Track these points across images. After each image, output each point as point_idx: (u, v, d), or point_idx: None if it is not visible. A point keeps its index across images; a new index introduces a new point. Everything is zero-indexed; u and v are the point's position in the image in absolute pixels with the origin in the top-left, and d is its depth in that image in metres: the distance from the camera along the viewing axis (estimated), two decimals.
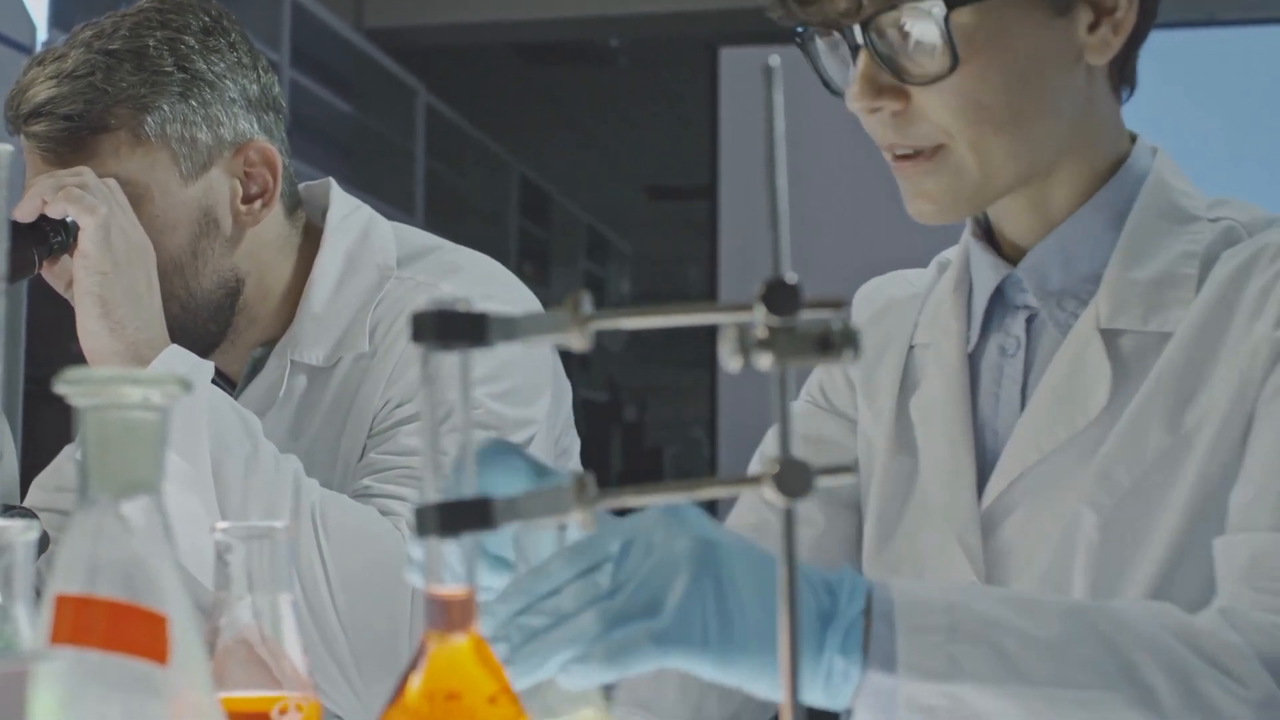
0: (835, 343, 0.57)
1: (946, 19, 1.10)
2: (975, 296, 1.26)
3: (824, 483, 0.58)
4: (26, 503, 1.67)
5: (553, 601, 0.89)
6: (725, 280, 5.33)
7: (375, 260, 1.63)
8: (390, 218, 1.71)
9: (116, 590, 0.66)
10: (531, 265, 8.04)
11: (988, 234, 1.26)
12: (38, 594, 0.73)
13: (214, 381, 1.51)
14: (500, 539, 1.00)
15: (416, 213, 6.31)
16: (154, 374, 0.67)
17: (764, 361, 0.57)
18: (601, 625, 0.87)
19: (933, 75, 1.12)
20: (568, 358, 1.69)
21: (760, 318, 0.58)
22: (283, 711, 0.87)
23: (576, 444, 1.72)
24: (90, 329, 1.47)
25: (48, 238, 1.49)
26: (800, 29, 1.19)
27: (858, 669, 0.91)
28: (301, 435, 1.58)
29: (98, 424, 0.67)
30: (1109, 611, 0.97)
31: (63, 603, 0.66)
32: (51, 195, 1.47)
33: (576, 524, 0.60)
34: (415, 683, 0.66)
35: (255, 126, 1.60)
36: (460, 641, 0.66)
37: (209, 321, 1.60)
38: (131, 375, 0.67)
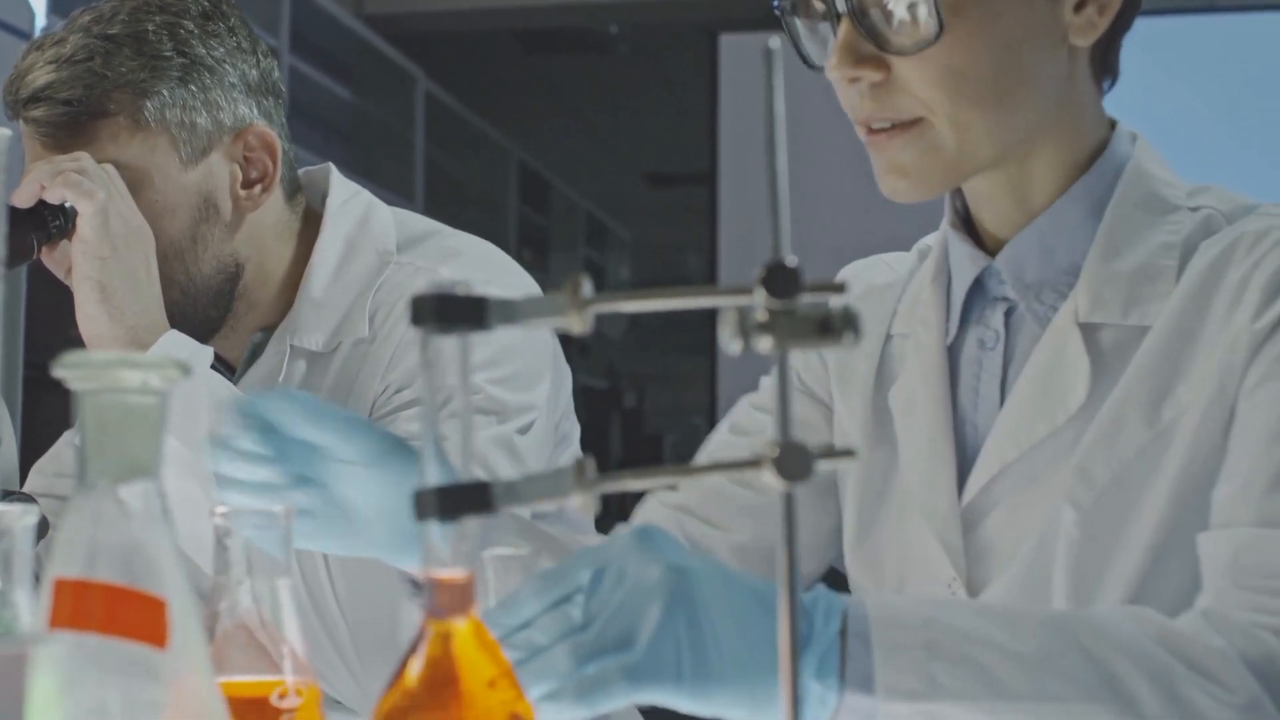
0: (836, 326, 0.57)
1: None
2: (954, 288, 1.24)
3: (824, 467, 0.57)
4: (26, 488, 1.67)
5: (524, 635, 0.89)
6: (725, 267, 5.33)
7: (375, 245, 1.62)
8: (390, 204, 1.70)
9: (115, 574, 0.66)
10: (531, 252, 8.03)
11: (966, 224, 1.25)
12: (36, 579, 0.73)
13: (213, 367, 1.51)
14: (256, 435, 1.04)
15: (416, 199, 6.31)
16: (153, 358, 0.67)
17: (764, 344, 0.57)
18: (574, 660, 0.87)
19: (916, 44, 1.11)
20: (567, 344, 1.69)
21: (760, 301, 0.57)
22: (282, 696, 0.87)
23: (576, 430, 1.72)
24: (89, 314, 1.47)
25: (46, 223, 1.49)
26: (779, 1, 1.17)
27: (835, 693, 0.91)
28: None
29: (96, 408, 0.67)
30: (1088, 620, 0.96)
31: (61, 587, 0.66)
32: (50, 180, 1.47)
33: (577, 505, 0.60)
34: (414, 667, 0.66)
35: (255, 111, 1.60)
36: (459, 625, 0.66)
37: (209, 307, 1.60)
38: (130, 359, 0.67)
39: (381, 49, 6.27)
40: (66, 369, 0.67)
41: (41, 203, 1.49)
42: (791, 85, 0.64)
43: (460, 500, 0.61)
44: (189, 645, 0.68)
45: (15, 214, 1.47)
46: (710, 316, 0.60)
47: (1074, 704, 0.92)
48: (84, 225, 1.47)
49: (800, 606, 0.91)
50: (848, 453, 0.58)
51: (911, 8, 1.11)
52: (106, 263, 1.46)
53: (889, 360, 1.28)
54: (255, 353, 1.62)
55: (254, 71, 1.60)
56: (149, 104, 1.53)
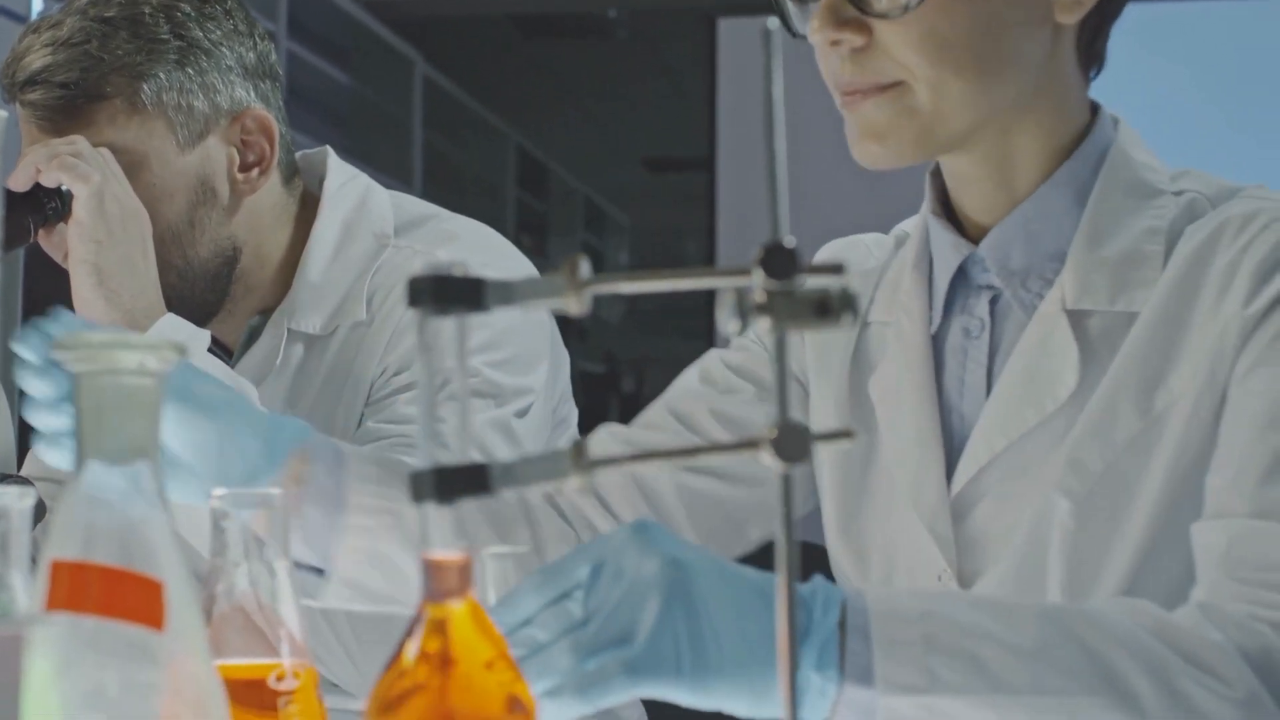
0: (834, 307, 0.57)
1: None
2: (936, 276, 1.23)
3: (822, 448, 0.57)
4: (23, 472, 1.67)
5: (526, 632, 0.89)
6: (724, 252, 5.32)
7: (372, 228, 1.62)
8: (387, 189, 1.70)
9: (112, 556, 0.66)
10: (529, 237, 8.02)
11: (947, 212, 1.24)
12: (34, 562, 0.73)
13: (210, 350, 1.51)
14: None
15: (414, 184, 6.30)
16: (149, 339, 0.67)
17: (762, 325, 0.57)
18: (574, 657, 0.87)
19: (898, 8, 1.10)
20: (565, 328, 1.69)
21: (758, 282, 0.57)
22: (279, 678, 0.87)
23: (574, 414, 1.72)
24: (85, 297, 1.47)
25: (43, 206, 1.49)
26: None
27: (834, 685, 0.91)
28: (298, 404, 1.57)
29: (93, 389, 0.67)
30: (1086, 614, 0.96)
31: (58, 568, 0.66)
32: (45, 164, 1.47)
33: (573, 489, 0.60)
34: (412, 648, 0.66)
35: (252, 94, 1.59)
36: (457, 606, 0.66)
37: (206, 291, 1.60)
38: (127, 340, 0.67)
39: (379, 33, 6.26)
40: (63, 351, 0.67)
41: (38, 186, 1.49)
42: (790, 77, 0.64)
43: (457, 482, 0.61)
44: (186, 628, 0.68)
45: (11, 197, 1.47)
46: (708, 302, 0.60)
47: (1072, 697, 0.91)
48: (79, 208, 1.47)
49: (798, 598, 0.91)
50: (846, 434, 0.58)
51: None
52: (102, 246, 1.46)
53: (866, 348, 1.27)
54: (252, 336, 1.62)
55: (251, 54, 1.60)
56: (146, 87, 1.53)
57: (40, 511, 1.31)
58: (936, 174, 1.24)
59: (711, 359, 1.36)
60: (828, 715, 0.91)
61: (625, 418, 1.36)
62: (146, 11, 1.55)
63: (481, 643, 0.66)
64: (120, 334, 0.71)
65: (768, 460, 0.58)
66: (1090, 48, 1.20)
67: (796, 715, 0.57)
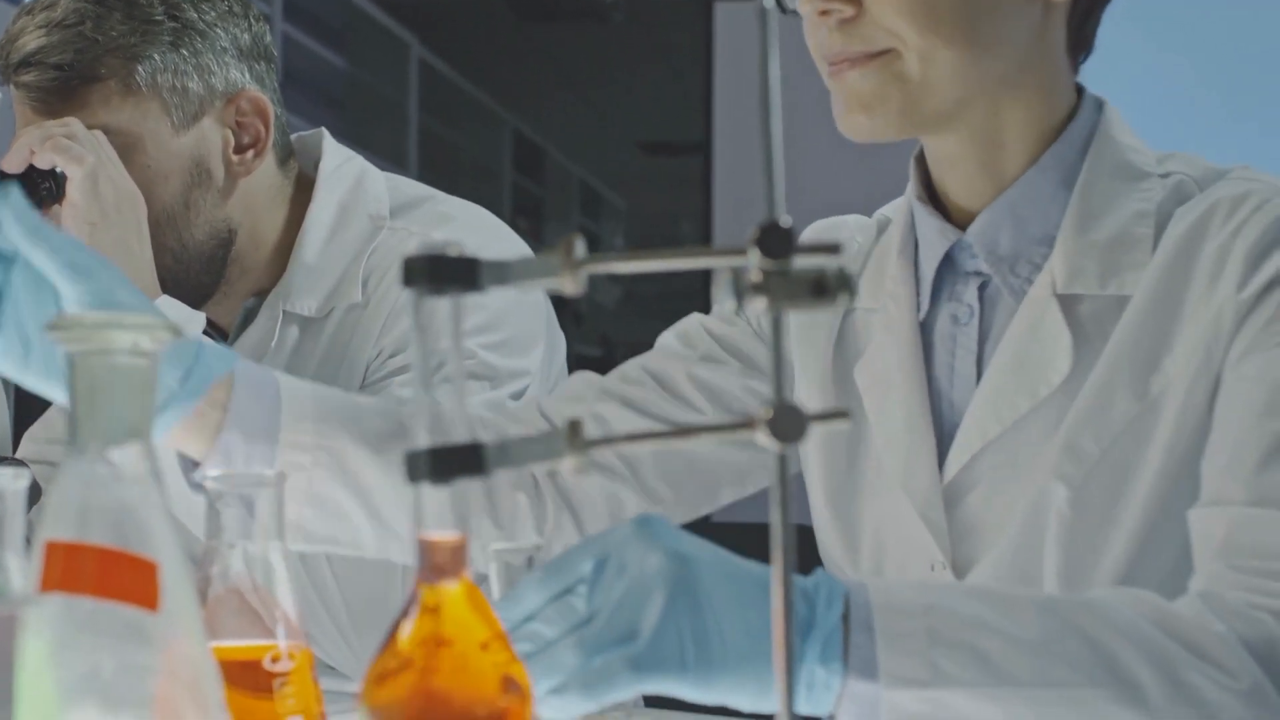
0: (830, 287, 0.57)
1: None
2: (923, 262, 1.23)
3: (818, 428, 0.57)
4: (18, 454, 1.67)
5: (530, 628, 0.89)
6: (719, 237, 5.31)
7: (368, 210, 1.62)
8: (383, 172, 1.70)
9: (107, 537, 0.66)
10: (525, 220, 8.01)
11: (931, 198, 1.23)
12: (28, 544, 0.73)
13: (205, 333, 1.50)
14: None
15: (410, 167, 6.29)
16: (143, 319, 0.66)
17: (758, 305, 0.57)
18: (579, 655, 0.87)
19: None
20: (561, 313, 1.69)
21: (754, 261, 0.57)
22: (275, 660, 0.87)
23: None
24: None
25: (37, 188, 1.49)
26: None
27: (838, 678, 0.90)
28: None
29: (87, 370, 0.66)
30: (1089, 605, 0.95)
31: (53, 549, 0.66)
32: (39, 145, 1.47)
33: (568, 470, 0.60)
34: (407, 629, 0.66)
35: (247, 76, 1.59)
36: (452, 587, 0.66)
37: (201, 273, 1.59)
38: (120, 321, 0.66)
39: (375, 16, 6.25)
40: (57, 331, 0.66)
41: (31, 168, 1.49)
42: (786, 63, 0.64)
43: (452, 462, 0.61)
44: (181, 609, 0.67)
45: (5, 179, 1.46)
46: (704, 287, 0.60)
47: (1077, 689, 0.91)
48: (73, 190, 1.46)
49: (801, 591, 0.91)
50: (842, 414, 0.58)
51: None
52: (96, 228, 1.46)
53: (850, 334, 1.27)
54: (248, 318, 1.62)
55: (246, 36, 1.59)
56: (140, 68, 1.53)
57: (35, 494, 1.30)
58: (920, 159, 1.24)
59: (692, 322, 1.35)
60: (832, 709, 0.91)
61: None
62: None
63: (477, 623, 0.66)
64: (114, 315, 0.70)
65: (764, 441, 0.57)
66: (1080, 30, 1.20)
67: (793, 693, 0.57)
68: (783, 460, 0.57)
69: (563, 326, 1.71)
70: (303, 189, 1.65)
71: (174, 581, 0.67)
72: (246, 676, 0.86)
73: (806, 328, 1.29)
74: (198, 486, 1.16)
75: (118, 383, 0.67)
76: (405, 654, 0.65)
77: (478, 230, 1.63)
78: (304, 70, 5.51)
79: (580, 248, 0.61)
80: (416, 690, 0.65)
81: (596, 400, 1.31)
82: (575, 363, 1.61)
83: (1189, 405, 1.09)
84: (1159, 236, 1.14)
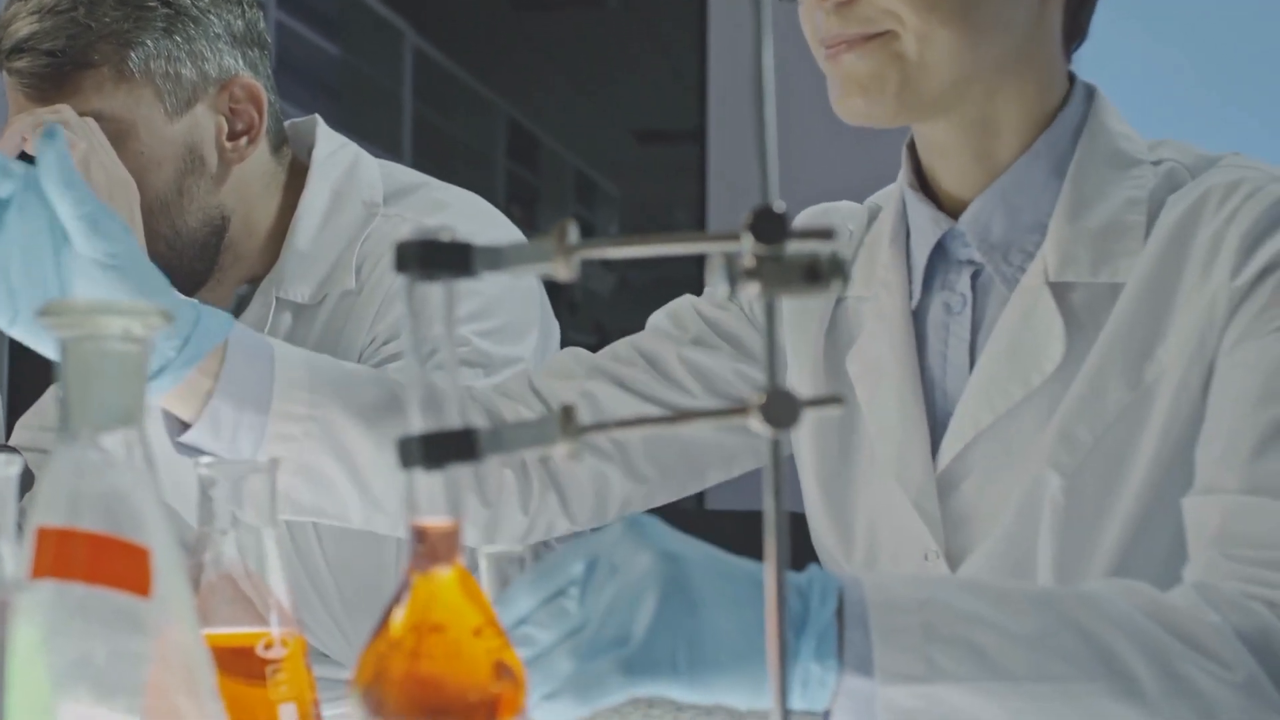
0: (824, 272, 0.57)
1: None
2: (914, 251, 1.23)
3: (811, 414, 0.57)
4: (11, 442, 1.67)
5: (522, 631, 0.89)
6: (714, 225, 5.31)
7: (361, 197, 1.62)
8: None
9: (98, 523, 0.66)
10: (519, 209, 8.00)
11: (923, 186, 1.23)
12: (20, 530, 0.73)
13: None
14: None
15: (404, 155, 6.28)
16: (135, 305, 0.66)
17: (751, 290, 0.56)
18: (573, 661, 0.87)
19: None
20: (556, 301, 1.69)
21: (748, 246, 0.57)
22: (268, 647, 0.87)
23: None
24: None
25: None
26: None
27: (833, 675, 0.90)
28: None
29: (78, 356, 0.66)
30: (1084, 597, 0.95)
31: (44, 535, 0.66)
32: (31, 132, 1.46)
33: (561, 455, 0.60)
34: (399, 616, 0.66)
35: (240, 62, 1.59)
36: (445, 574, 0.66)
37: (195, 260, 1.59)
38: (112, 306, 0.66)
39: (369, 4, 6.23)
40: (48, 317, 0.66)
41: (24, 155, 1.48)
42: (781, 52, 0.63)
43: (446, 447, 0.61)
44: (174, 596, 0.67)
45: None
46: (699, 275, 0.60)
47: (1072, 683, 0.90)
48: None
49: (794, 587, 0.91)
50: (835, 399, 0.57)
51: None
52: None
53: (842, 322, 1.27)
54: (241, 305, 1.62)
55: (239, 22, 1.59)
56: (133, 54, 1.52)
57: (28, 482, 1.30)
58: (912, 147, 1.24)
59: (684, 303, 1.35)
60: (827, 705, 0.91)
61: None
62: None
63: (469, 609, 0.66)
64: (106, 300, 0.70)
65: (757, 426, 0.57)
66: (1076, 16, 1.20)
67: (787, 689, 0.57)
68: (776, 446, 0.57)
69: (557, 314, 1.71)
70: (296, 176, 1.64)
71: (166, 568, 0.67)
72: (239, 663, 0.86)
73: (799, 315, 1.29)
74: (183, 449, 1.16)
75: (109, 368, 0.66)
76: (397, 640, 0.65)
77: (472, 217, 1.63)
78: (298, 58, 5.50)
79: (573, 233, 0.61)
80: (409, 676, 0.64)
81: (587, 378, 1.32)
82: None
83: (1182, 393, 1.09)
84: (1151, 224, 1.14)
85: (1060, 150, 1.18)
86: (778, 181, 0.58)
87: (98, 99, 1.52)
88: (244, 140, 1.59)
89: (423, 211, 1.61)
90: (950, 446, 1.17)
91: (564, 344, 1.71)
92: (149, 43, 1.53)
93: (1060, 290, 1.15)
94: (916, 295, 1.22)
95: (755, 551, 0.90)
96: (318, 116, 1.69)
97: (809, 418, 0.56)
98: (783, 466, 0.57)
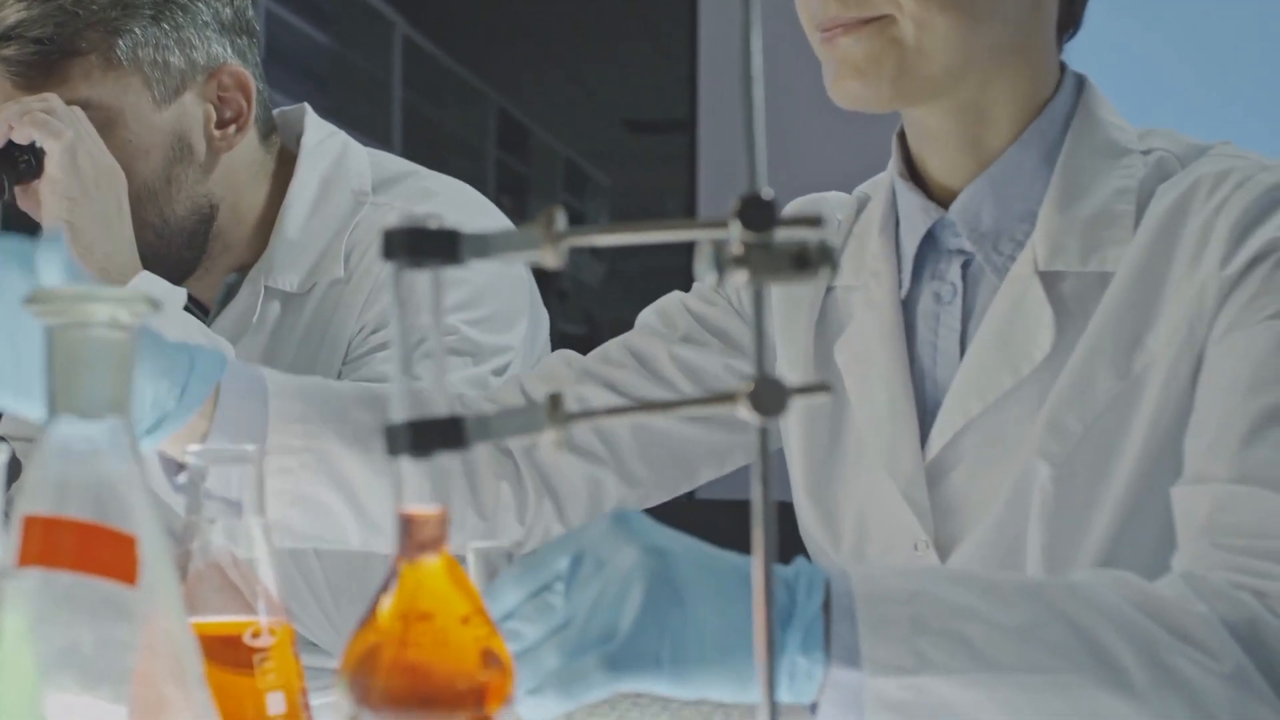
0: (812, 259, 0.56)
1: None
2: (904, 240, 1.23)
3: (799, 401, 0.57)
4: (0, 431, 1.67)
5: (509, 626, 0.89)
6: (705, 214, 5.30)
7: (350, 185, 1.61)
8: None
9: (85, 511, 0.66)
10: (510, 199, 7.98)
11: (912, 176, 1.23)
12: (7, 518, 0.72)
13: (187, 308, 1.50)
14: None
15: (394, 145, 6.27)
16: (122, 292, 0.66)
17: (739, 278, 0.56)
18: (558, 656, 0.87)
19: None
20: (546, 291, 1.69)
21: (736, 234, 0.57)
22: (255, 635, 0.87)
23: None
24: None
25: (15, 163, 1.48)
26: None
27: (820, 667, 0.90)
28: (275, 362, 1.57)
29: (65, 343, 0.66)
30: (1072, 589, 0.95)
31: (31, 523, 0.65)
32: (17, 120, 1.46)
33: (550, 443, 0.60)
34: (387, 604, 0.65)
35: (229, 50, 1.58)
36: (432, 562, 0.65)
37: (183, 248, 1.59)
38: (99, 293, 0.66)
39: None
40: (35, 303, 0.66)
41: (10, 143, 1.48)
42: (773, 42, 0.63)
43: (432, 436, 0.61)
44: (161, 585, 0.67)
45: None
46: (689, 266, 0.59)
47: (1061, 674, 0.90)
48: (52, 165, 1.46)
49: (780, 580, 0.90)
50: (823, 387, 0.57)
51: None
52: (76, 202, 1.45)
53: (832, 312, 1.27)
54: (229, 294, 1.61)
55: (227, 10, 1.59)
56: (121, 42, 1.52)
57: (15, 470, 1.30)
58: (902, 136, 1.24)
59: (672, 301, 1.36)
60: (814, 698, 0.90)
61: None
62: None
63: (457, 597, 0.66)
64: (91, 287, 0.70)
65: (744, 414, 0.57)
66: (1071, 7, 1.20)
67: (775, 674, 0.57)
68: (764, 434, 0.57)
69: (547, 304, 1.71)
70: (285, 164, 1.64)
71: (153, 556, 0.66)
72: (227, 652, 0.86)
73: (788, 306, 1.28)
74: (180, 489, 1.15)
75: (96, 356, 0.66)
76: (385, 628, 0.65)
77: (461, 206, 1.63)
78: (288, 47, 5.49)
79: (561, 220, 0.60)
80: (396, 664, 0.64)
81: (578, 381, 1.32)
82: (559, 340, 1.61)
83: (1172, 382, 1.09)
84: (1141, 213, 1.14)
85: (1050, 139, 1.18)
86: (766, 168, 0.58)
87: (85, 87, 1.52)
88: (232, 128, 1.59)
89: (411, 200, 1.61)
90: (940, 435, 1.17)
91: (554, 334, 1.71)
92: (137, 30, 1.52)
93: (1050, 279, 1.15)
94: (906, 285, 1.22)
95: (744, 541, 0.90)
96: (306, 105, 1.69)
97: (798, 406, 0.56)
98: (771, 455, 0.56)
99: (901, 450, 1.18)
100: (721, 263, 0.57)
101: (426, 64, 7.07)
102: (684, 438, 1.31)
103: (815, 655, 0.89)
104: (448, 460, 1.26)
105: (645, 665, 0.86)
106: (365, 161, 1.65)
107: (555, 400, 0.60)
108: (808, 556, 1.23)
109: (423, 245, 0.61)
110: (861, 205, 1.30)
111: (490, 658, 0.66)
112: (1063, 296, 1.14)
